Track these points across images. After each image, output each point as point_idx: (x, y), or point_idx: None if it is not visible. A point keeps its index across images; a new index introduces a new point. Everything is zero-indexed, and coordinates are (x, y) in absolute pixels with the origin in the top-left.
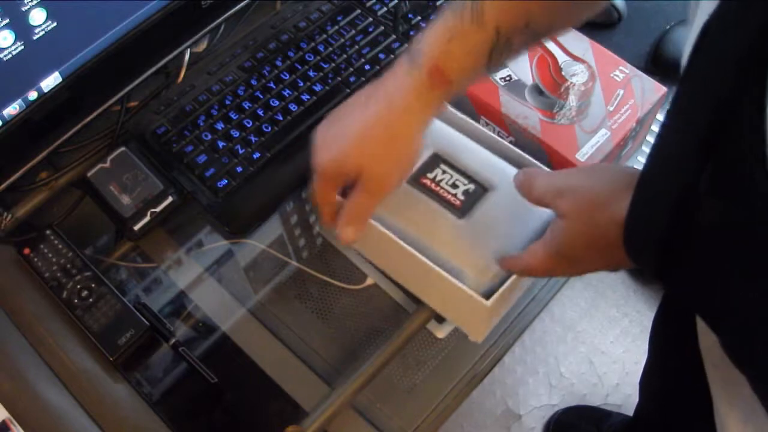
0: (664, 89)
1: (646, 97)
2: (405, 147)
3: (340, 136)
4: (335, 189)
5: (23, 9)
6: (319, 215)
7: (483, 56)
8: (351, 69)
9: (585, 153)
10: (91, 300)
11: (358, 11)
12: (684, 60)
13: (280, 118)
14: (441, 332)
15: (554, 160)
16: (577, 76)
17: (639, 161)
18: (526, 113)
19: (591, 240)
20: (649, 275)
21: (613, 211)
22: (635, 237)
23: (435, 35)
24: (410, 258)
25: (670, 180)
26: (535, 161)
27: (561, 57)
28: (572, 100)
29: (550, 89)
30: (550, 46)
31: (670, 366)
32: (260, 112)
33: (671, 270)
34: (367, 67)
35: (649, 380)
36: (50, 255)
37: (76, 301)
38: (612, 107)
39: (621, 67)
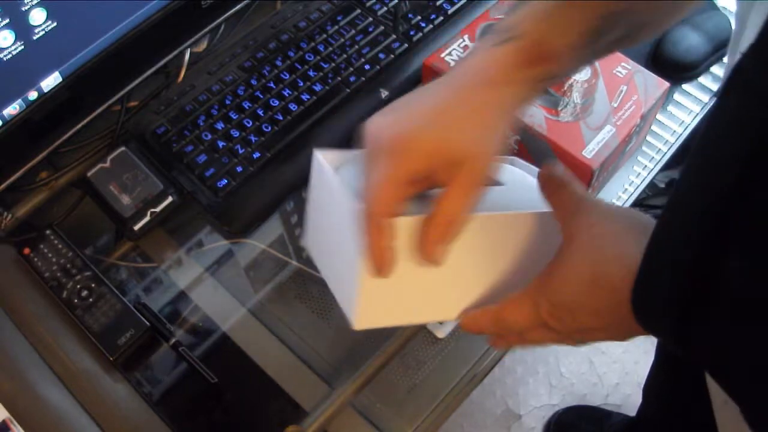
0: (666, 84)
1: (649, 92)
2: (505, 127)
3: (425, 121)
4: (410, 196)
5: (23, 9)
6: (372, 252)
7: (590, 34)
8: (351, 69)
9: (591, 150)
10: (91, 300)
11: (358, 11)
12: (724, 72)
13: (280, 117)
14: (441, 332)
15: (561, 157)
16: (579, 73)
17: (639, 161)
18: (531, 111)
19: (594, 279)
20: (661, 337)
21: (623, 252)
22: (649, 290)
23: (531, 10)
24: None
25: (694, 226)
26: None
27: None
28: (576, 97)
29: (554, 87)
30: None
31: (675, 370)
32: (260, 112)
33: (690, 333)
34: (367, 66)
35: (652, 383)
36: (50, 255)
37: (76, 300)
38: (616, 103)
39: (623, 64)
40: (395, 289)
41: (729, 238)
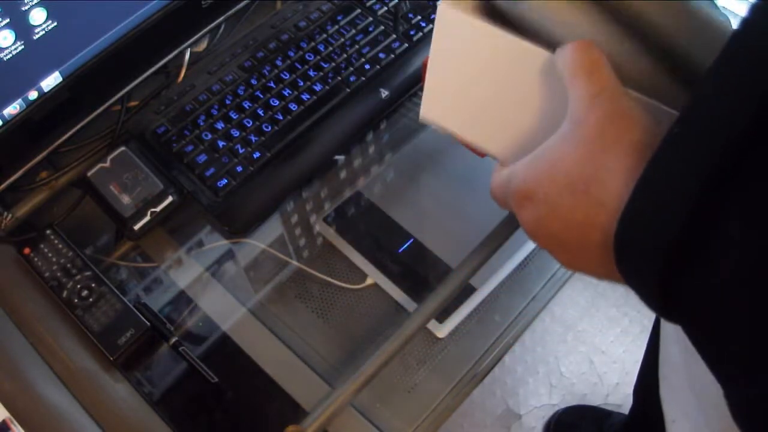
0: None
1: None
2: None
3: None
4: None
5: (23, 9)
6: None
7: None
8: (351, 68)
9: None
10: (91, 300)
11: (358, 11)
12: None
13: (280, 117)
14: (441, 332)
15: None
16: None
17: None
18: None
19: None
20: (641, 294)
21: (602, 184)
22: (635, 233)
23: None
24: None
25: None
26: None
27: None
28: None
29: None
30: None
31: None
32: (260, 112)
33: (679, 286)
34: (367, 66)
35: (643, 380)
36: (50, 255)
37: (76, 300)
38: None
39: None
40: (461, 92)
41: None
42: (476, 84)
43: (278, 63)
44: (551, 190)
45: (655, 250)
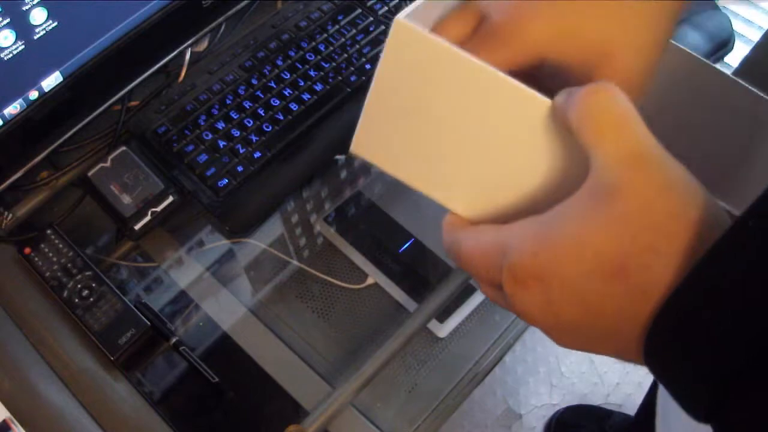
0: None
1: None
2: None
3: None
4: None
5: (24, 8)
6: None
7: None
8: (352, 68)
9: None
10: (91, 299)
11: (359, 10)
12: None
13: (281, 117)
14: (442, 332)
15: None
16: None
17: None
18: None
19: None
20: (676, 392)
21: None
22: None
23: None
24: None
25: None
26: None
27: None
28: None
29: None
30: None
31: None
32: (261, 112)
33: (728, 406)
34: (368, 66)
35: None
36: (51, 254)
37: (76, 300)
38: None
39: None
40: (411, 129)
41: None
42: (434, 121)
43: (279, 63)
44: (575, 273)
45: (714, 361)
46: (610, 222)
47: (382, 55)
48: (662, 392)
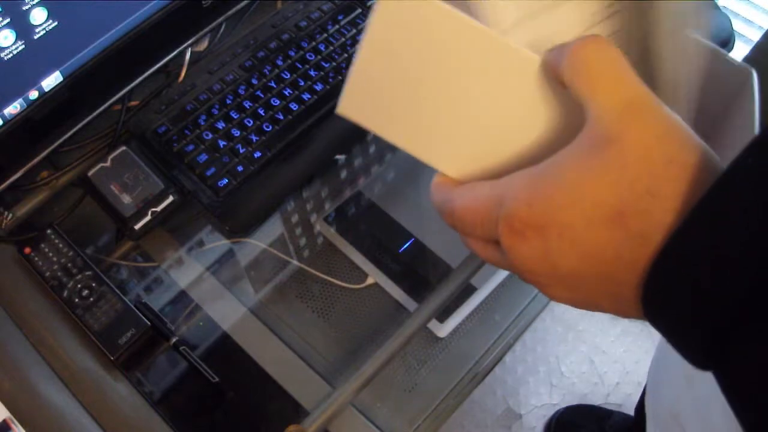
0: None
1: None
2: None
3: None
4: None
5: (24, 8)
6: None
7: None
8: None
9: None
10: (91, 299)
11: (359, 10)
12: None
13: (281, 117)
14: (441, 332)
15: None
16: None
17: None
18: None
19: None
20: (674, 342)
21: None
22: (677, 271)
23: None
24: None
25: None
26: None
27: None
28: None
29: None
30: None
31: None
32: (261, 112)
33: (728, 351)
34: None
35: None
36: (51, 254)
37: (76, 300)
38: None
39: None
40: (400, 88)
41: None
42: (424, 81)
43: (279, 62)
44: (573, 221)
45: (716, 302)
46: (608, 169)
47: (372, 15)
48: (654, 358)
